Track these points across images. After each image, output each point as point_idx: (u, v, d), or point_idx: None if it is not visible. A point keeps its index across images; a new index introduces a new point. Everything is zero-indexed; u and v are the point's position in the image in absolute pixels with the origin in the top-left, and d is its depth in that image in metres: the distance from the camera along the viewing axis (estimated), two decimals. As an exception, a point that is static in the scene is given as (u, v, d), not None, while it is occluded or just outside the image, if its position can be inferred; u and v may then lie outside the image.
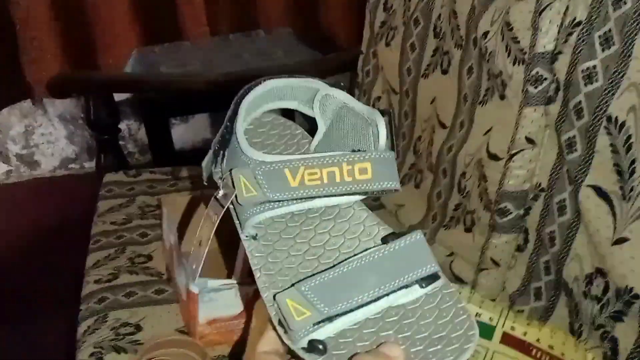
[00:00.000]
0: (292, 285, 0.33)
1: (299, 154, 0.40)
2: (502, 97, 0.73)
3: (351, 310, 0.32)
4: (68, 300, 1.18)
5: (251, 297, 0.72)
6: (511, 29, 0.69)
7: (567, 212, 0.66)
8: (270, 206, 0.36)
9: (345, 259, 0.35)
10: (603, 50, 0.58)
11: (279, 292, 0.33)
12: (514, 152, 0.72)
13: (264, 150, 0.41)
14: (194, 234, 0.87)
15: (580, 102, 0.61)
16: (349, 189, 0.35)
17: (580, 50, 0.61)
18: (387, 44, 1.01)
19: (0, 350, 1.29)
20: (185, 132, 1.94)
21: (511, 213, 0.74)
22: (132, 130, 1.94)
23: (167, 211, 0.84)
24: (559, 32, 0.65)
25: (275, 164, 0.36)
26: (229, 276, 0.75)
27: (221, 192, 0.38)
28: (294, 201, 0.36)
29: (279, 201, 0.36)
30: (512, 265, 0.77)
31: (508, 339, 0.60)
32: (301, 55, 1.54)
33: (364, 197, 0.39)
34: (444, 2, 0.86)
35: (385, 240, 0.36)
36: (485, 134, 0.77)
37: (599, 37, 0.59)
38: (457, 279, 0.83)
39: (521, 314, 0.62)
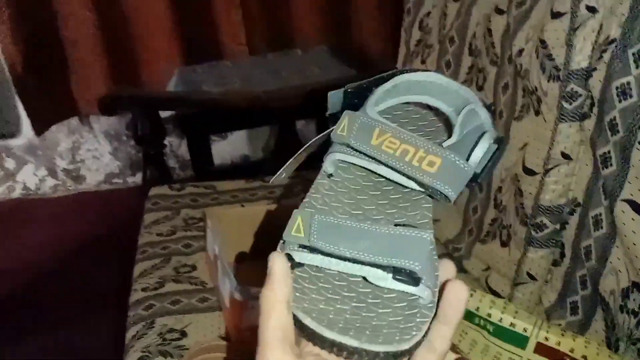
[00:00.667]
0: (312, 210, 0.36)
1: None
2: (538, 113, 0.74)
3: (329, 255, 0.33)
4: (111, 307, 1.24)
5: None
6: (546, 47, 0.71)
7: (603, 226, 0.67)
8: (350, 152, 0.38)
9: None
10: (637, 66, 0.60)
11: (298, 210, 0.35)
12: (549, 167, 0.73)
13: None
14: (238, 245, 0.91)
15: (614, 117, 0.62)
16: (408, 171, 0.36)
17: (615, 67, 0.62)
18: (423, 62, 1.04)
19: (47, 353, 1.35)
20: (224, 148, 2.00)
21: (547, 227, 0.75)
22: (173, 147, 2.01)
23: (211, 223, 0.88)
24: (593, 50, 0.66)
25: (373, 120, 0.37)
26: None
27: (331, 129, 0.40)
28: (366, 158, 0.38)
29: (357, 151, 0.38)
30: (548, 279, 0.78)
31: (542, 349, 0.60)
32: (337, 73, 1.58)
33: (420, 189, 0.39)
34: (479, 20, 0.89)
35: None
36: (521, 149, 0.78)
37: (633, 54, 0.60)
38: (493, 293, 0.84)
39: (558, 318, 0.63)
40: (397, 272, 0.33)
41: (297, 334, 0.32)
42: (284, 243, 0.35)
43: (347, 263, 0.33)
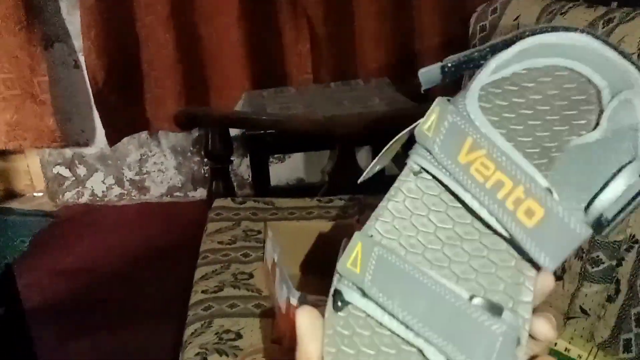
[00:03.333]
0: (375, 238, 0.28)
1: (531, 141, 0.27)
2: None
3: (382, 309, 0.26)
4: (168, 312, 1.29)
5: (344, 317, 0.78)
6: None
7: (661, 264, 0.67)
8: (432, 160, 0.27)
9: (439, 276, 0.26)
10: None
11: (362, 232, 0.28)
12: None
13: (492, 115, 0.28)
14: (293, 258, 0.95)
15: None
16: (500, 216, 0.25)
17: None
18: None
19: (106, 351, 1.42)
20: (281, 170, 2.07)
21: (603, 263, 0.76)
22: (233, 166, 2.09)
23: (272, 233, 0.93)
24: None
25: (468, 124, 0.26)
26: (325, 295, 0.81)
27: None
28: (448, 176, 0.27)
29: (439, 165, 0.27)
30: (602, 315, 0.78)
31: (594, 379, 0.61)
32: (397, 104, 1.62)
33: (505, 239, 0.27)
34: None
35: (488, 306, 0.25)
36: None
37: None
38: (544, 326, 0.84)
39: (610, 354, 0.64)
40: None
41: None
42: (338, 275, 0.28)
43: (397, 324, 0.26)
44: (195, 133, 2.05)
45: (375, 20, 1.87)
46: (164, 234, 1.88)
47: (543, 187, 0.25)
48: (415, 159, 0.29)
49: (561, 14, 0.90)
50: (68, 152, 2.09)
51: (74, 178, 2.13)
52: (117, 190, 2.15)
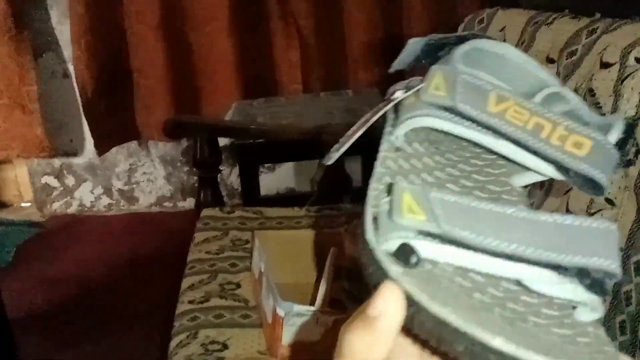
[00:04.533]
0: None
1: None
2: (583, 158, 0.77)
3: (474, 249, 0.23)
4: (156, 321, 1.28)
5: (330, 327, 0.77)
6: (594, 95, 0.74)
7: (645, 272, 0.68)
8: (449, 118, 0.29)
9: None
10: (684, 118, 0.62)
11: (399, 183, 0.25)
12: (592, 212, 0.75)
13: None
14: (281, 267, 0.95)
15: (660, 165, 0.64)
16: (549, 152, 0.27)
17: (661, 117, 0.64)
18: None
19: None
20: (271, 180, 2.06)
21: (588, 271, 0.76)
22: (223, 175, 2.09)
23: (259, 242, 0.92)
24: (640, 100, 0.69)
25: (484, 82, 0.29)
26: (312, 305, 0.81)
27: (398, 93, 0.31)
28: (478, 129, 0.29)
29: (462, 118, 0.29)
30: (588, 324, 0.78)
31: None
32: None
33: (553, 177, 0.30)
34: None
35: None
36: (565, 193, 0.80)
37: (680, 105, 0.62)
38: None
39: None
40: (587, 280, 0.24)
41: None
42: (378, 231, 0.24)
43: (492, 259, 0.24)
44: (185, 143, 2.05)
45: (365, 30, 1.88)
46: (152, 244, 1.87)
47: (582, 126, 0.28)
48: (413, 124, 0.30)
49: (546, 24, 0.91)
50: (56, 161, 2.08)
51: (62, 188, 2.12)
52: (105, 200, 2.14)
